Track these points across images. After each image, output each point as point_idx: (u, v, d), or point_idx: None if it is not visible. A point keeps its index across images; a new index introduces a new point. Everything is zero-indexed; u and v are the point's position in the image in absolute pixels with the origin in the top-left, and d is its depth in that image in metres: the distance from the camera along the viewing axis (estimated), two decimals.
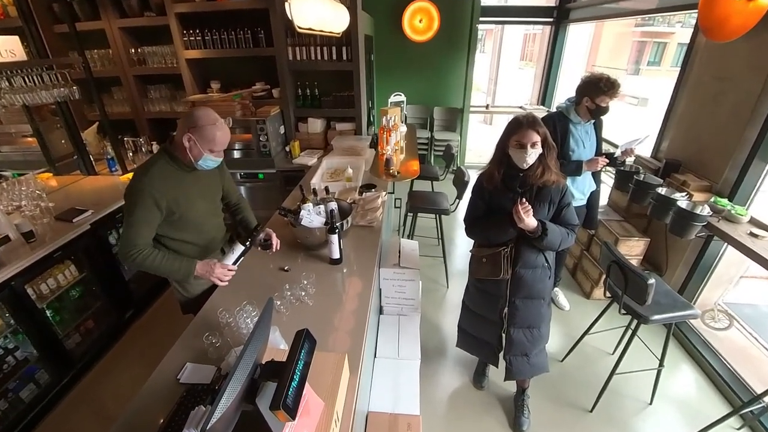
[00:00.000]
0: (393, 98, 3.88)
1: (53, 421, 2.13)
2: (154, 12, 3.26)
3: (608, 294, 2.11)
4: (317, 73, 3.52)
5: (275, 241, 1.74)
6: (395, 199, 4.19)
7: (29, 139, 3.27)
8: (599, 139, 2.37)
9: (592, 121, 2.29)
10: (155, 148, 3.53)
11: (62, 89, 2.63)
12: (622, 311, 1.96)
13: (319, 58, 3.33)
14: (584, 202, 2.52)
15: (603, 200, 3.13)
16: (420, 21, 4.84)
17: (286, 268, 1.83)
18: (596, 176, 2.49)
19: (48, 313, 2.27)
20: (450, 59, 5.12)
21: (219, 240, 1.80)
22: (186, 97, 3.42)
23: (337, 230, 1.77)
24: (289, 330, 1.44)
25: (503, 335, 1.88)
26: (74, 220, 2.36)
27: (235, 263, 1.50)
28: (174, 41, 3.28)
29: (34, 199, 2.50)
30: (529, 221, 1.52)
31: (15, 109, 3.07)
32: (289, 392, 0.75)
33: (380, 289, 2.26)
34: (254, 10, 3.12)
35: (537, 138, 1.53)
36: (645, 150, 3.03)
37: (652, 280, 1.72)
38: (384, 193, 2.54)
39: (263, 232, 1.73)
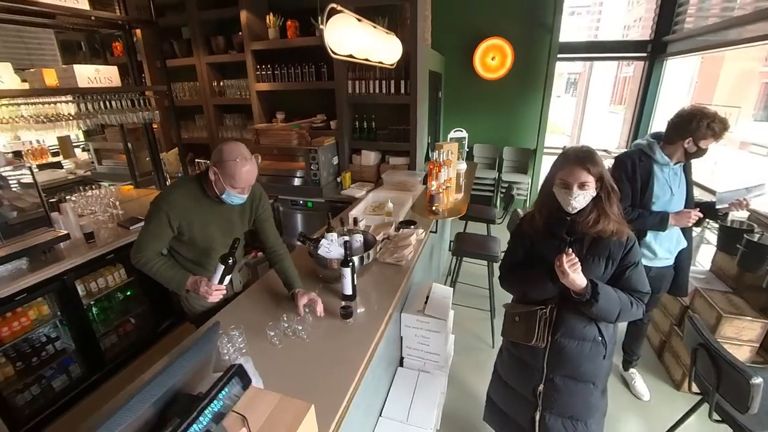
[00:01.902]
0: (453, 134, 3.71)
1: (75, 415, 2.20)
2: (236, 50, 3.62)
3: (695, 388, 1.57)
4: (375, 106, 3.53)
5: (319, 308, 1.55)
6: (450, 242, 3.92)
7: (124, 156, 3.76)
8: (690, 185, 1.89)
9: (682, 162, 1.84)
10: None
11: (147, 113, 2.97)
12: (714, 417, 1.42)
13: (377, 91, 3.34)
14: (671, 262, 2.00)
15: (704, 262, 2.49)
16: (492, 59, 4.70)
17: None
18: (687, 231, 1.97)
19: (94, 310, 2.43)
20: (524, 98, 4.84)
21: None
22: (253, 125, 3.66)
23: (350, 263, 1.59)
24: (272, 364, 1.28)
25: (537, 420, 1.47)
26: (131, 228, 2.55)
27: (220, 282, 1.42)
28: (248, 75, 3.59)
29: (108, 207, 2.79)
30: (576, 278, 1.18)
31: (117, 130, 3.59)
32: None
33: (401, 337, 1.99)
34: (319, 46, 3.26)
35: (588, 178, 1.21)
36: (763, 203, 2.37)
37: (758, 379, 1.22)
38: (421, 231, 2.32)
39: (302, 295, 1.57)
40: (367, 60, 2.10)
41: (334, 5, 1.64)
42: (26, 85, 2.39)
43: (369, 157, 3.62)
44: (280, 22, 3.40)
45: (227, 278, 1.43)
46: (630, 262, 1.27)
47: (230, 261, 1.46)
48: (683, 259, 2.00)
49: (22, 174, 2.04)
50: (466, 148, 3.80)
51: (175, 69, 3.91)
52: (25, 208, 2.08)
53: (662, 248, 1.94)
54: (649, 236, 1.91)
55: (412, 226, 2.36)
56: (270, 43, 3.43)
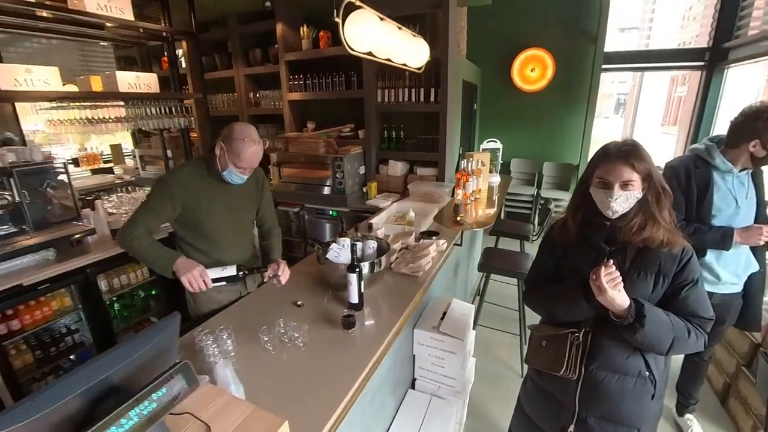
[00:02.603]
0: (486, 144, 3.54)
1: None
2: (272, 61, 3.72)
3: None
4: (404, 115, 3.46)
5: (282, 272, 1.53)
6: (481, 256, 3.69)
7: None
8: (761, 196, 1.60)
9: (749, 170, 1.56)
10: None
11: (183, 119, 3.09)
12: None
13: (406, 99, 3.27)
14: (739, 288, 1.68)
15: None
16: (532, 70, 4.51)
17: (299, 303, 1.59)
18: (759, 252, 1.66)
19: (115, 306, 2.47)
20: (566, 110, 4.58)
21: (236, 260, 1.67)
22: (284, 134, 3.71)
23: (357, 269, 1.47)
24: (259, 371, 1.17)
25: None
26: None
27: (215, 281, 1.36)
28: (282, 85, 3.66)
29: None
30: (615, 296, 0.98)
31: (160, 138, 3.77)
32: None
33: (414, 356, 1.81)
34: (351, 55, 3.28)
35: (632, 176, 1.02)
36: None
37: None
38: (443, 242, 2.16)
39: (271, 267, 1.55)
40: (389, 60, 2.02)
41: (352, 0, 1.58)
42: (71, 89, 2.55)
43: (396, 167, 3.52)
44: (314, 33, 3.45)
45: (221, 283, 1.38)
46: (686, 280, 1.04)
47: (242, 273, 1.41)
48: (754, 285, 1.68)
49: (57, 170, 2.14)
50: (500, 160, 3.61)
51: (216, 81, 4.08)
52: (57, 203, 2.17)
53: (727, 271, 1.64)
54: (710, 256, 1.63)
55: (434, 237, 2.21)
56: (303, 53, 3.48)
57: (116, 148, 4.88)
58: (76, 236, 2.11)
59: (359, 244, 1.80)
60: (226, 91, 4.12)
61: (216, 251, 1.58)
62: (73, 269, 2.09)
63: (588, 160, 1.16)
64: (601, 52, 4.18)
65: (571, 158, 4.77)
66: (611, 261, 1.01)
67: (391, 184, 3.56)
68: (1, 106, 4.07)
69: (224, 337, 1.18)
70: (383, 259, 1.68)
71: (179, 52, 3.77)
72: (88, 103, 2.56)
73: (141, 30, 2.93)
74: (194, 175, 1.49)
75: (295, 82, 3.62)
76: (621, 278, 1.00)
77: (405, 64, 2.24)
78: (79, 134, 2.81)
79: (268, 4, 3.15)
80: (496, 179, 3.57)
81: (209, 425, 0.84)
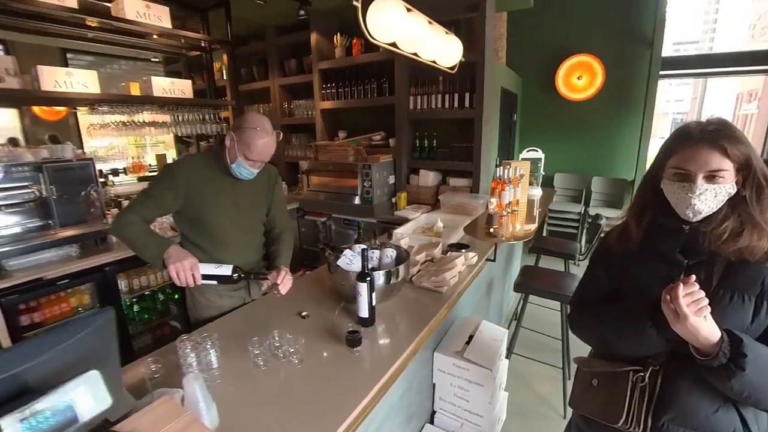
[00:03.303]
0: (526, 153, 3.26)
1: None
2: (306, 71, 3.73)
3: None
4: (436, 123, 3.28)
5: (281, 280, 1.38)
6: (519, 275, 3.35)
7: None
8: None
9: None
10: (284, 188, 3.83)
11: (215, 125, 3.13)
12: None
13: (439, 106, 3.10)
14: None
15: None
16: (579, 78, 4.19)
17: (303, 314, 1.43)
18: None
19: (134, 308, 2.45)
20: (618, 121, 4.19)
21: (241, 263, 1.54)
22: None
23: (368, 279, 1.28)
24: (241, 390, 1.00)
25: None
26: None
27: (206, 278, 1.23)
28: (314, 94, 3.64)
29: None
30: (700, 326, 0.72)
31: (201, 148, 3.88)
32: None
33: (434, 384, 1.57)
34: (383, 61, 3.20)
35: (723, 164, 0.77)
36: None
37: None
38: (473, 255, 1.92)
39: (271, 275, 1.39)
40: (415, 55, 1.87)
41: None
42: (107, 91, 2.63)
43: (427, 177, 3.33)
44: (347, 42, 3.41)
45: (212, 283, 1.25)
46: None
47: (237, 276, 1.28)
48: None
49: (86, 169, 2.17)
50: (542, 171, 3.31)
51: (253, 92, 4.16)
52: (84, 201, 2.19)
53: None
54: None
55: (463, 250, 1.98)
56: (336, 61, 3.45)
57: (161, 158, 5.16)
58: (97, 234, 2.10)
59: (375, 252, 1.62)
60: (262, 101, 4.19)
61: (219, 251, 1.46)
62: (94, 266, 2.08)
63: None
64: (658, 56, 3.79)
65: (625, 173, 4.33)
66: (693, 277, 0.75)
67: (422, 195, 3.36)
68: (66, 120, 4.42)
69: (207, 346, 1.03)
70: (401, 269, 1.48)
71: (218, 65, 3.90)
72: (128, 109, 2.65)
73: (182, 40, 3.04)
74: (201, 166, 1.41)
75: (328, 91, 3.58)
76: (707, 301, 0.73)
77: (434, 61, 2.08)
78: (135, 146, 2.91)
79: (302, 13, 3.16)
80: (537, 192, 3.27)
81: None
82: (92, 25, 2.42)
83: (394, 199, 3.36)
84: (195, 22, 3.14)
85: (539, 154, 3.19)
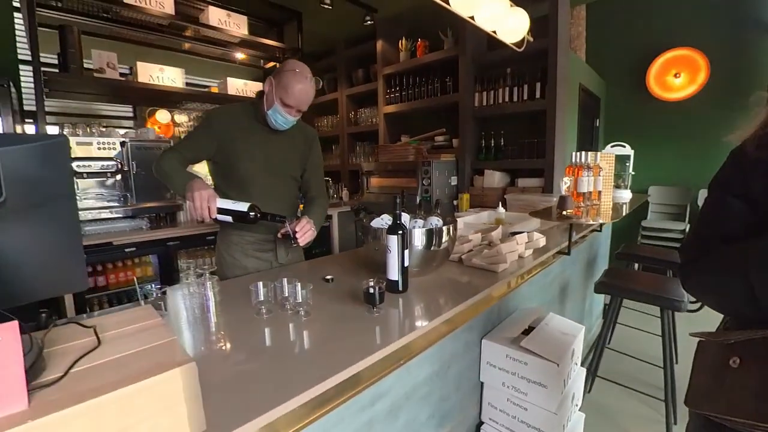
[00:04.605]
0: (610, 148, 2.83)
1: None
2: (372, 79, 3.81)
3: None
4: (503, 119, 3.05)
5: (301, 232, 1.30)
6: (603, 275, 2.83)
7: None
8: None
9: None
10: (345, 194, 3.85)
11: None
12: None
13: (506, 100, 2.89)
14: None
15: None
16: (676, 75, 3.64)
17: (328, 277, 1.29)
18: None
19: None
20: (729, 123, 3.47)
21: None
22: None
23: (401, 232, 1.10)
24: (225, 326, 0.88)
25: None
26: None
27: (222, 212, 1.17)
28: (378, 99, 3.68)
29: None
30: None
31: None
32: None
33: (481, 384, 1.28)
34: (447, 59, 3.12)
35: None
36: None
37: None
38: (540, 237, 1.63)
39: (292, 222, 1.30)
40: (472, 19, 1.73)
41: None
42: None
43: (493, 178, 3.06)
44: (412, 46, 3.42)
45: (227, 218, 1.19)
46: None
47: (254, 214, 1.22)
48: None
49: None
50: (630, 170, 2.84)
51: (321, 105, 4.37)
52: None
53: None
54: None
55: (525, 231, 1.69)
56: (400, 65, 3.47)
57: None
58: (163, 209, 2.25)
59: (419, 222, 1.43)
60: (330, 113, 4.37)
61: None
62: (159, 239, 2.21)
63: None
64: None
65: None
66: None
67: (487, 198, 3.09)
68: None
69: (205, 276, 0.94)
70: (445, 231, 1.27)
71: None
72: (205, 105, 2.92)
73: (259, 50, 3.31)
74: (239, 115, 1.41)
75: (391, 95, 3.60)
76: None
77: (494, 32, 1.92)
78: None
79: (368, 19, 3.26)
80: (626, 195, 2.80)
81: (100, 339, 0.57)
82: (187, 35, 2.76)
83: (456, 202, 3.14)
84: (271, 36, 3.42)
85: (627, 150, 2.73)
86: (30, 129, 2.19)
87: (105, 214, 2.11)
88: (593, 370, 1.98)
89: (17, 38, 2.20)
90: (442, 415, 1.11)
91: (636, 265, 2.95)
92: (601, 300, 2.92)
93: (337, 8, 3.08)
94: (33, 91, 1.96)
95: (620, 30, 3.89)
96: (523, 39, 2.15)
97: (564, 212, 1.74)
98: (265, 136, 1.41)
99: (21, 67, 2.23)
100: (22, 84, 2.23)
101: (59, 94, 2.37)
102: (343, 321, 0.97)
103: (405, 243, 1.12)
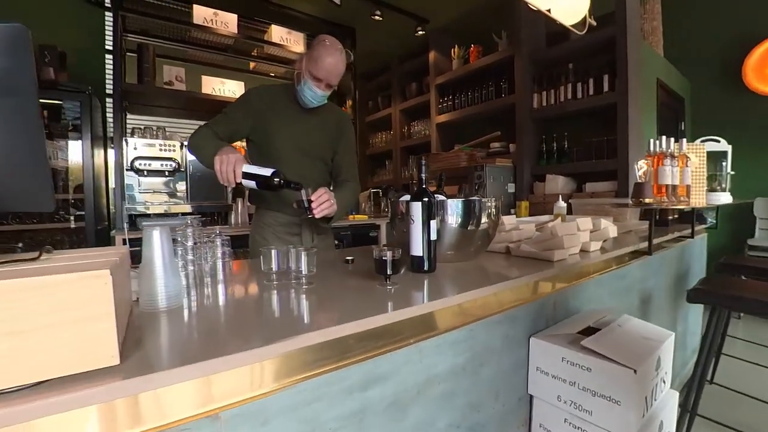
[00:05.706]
0: (701, 141, 2.38)
1: None
2: (425, 91, 3.78)
3: None
4: (566, 119, 2.78)
5: (317, 202, 1.21)
6: (700, 282, 2.30)
7: None
8: None
9: None
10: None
11: None
12: None
13: (569, 97, 2.63)
14: None
15: None
16: None
17: (349, 258, 1.19)
18: None
19: None
20: None
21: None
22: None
23: (426, 201, 0.96)
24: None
25: None
26: None
27: (246, 177, 1.14)
28: (431, 109, 3.61)
29: None
30: None
31: None
32: None
33: (530, 397, 1.03)
34: (501, 61, 2.98)
35: None
36: None
37: None
38: (610, 227, 1.36)
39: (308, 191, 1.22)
40: (548, 12, 1.59)
41: None
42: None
43: (556, 184, 2.76)
44: (464, 53, 3.34)
45: (251, 183, 1.14)
46: None
47: (278, 180, 1.16)
48: None
49: None
50: (728, 169, 2.36)
51: (375, 120, 4.43)
52: (214, 182, 2.51)
53: None
54: None
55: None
56: (452, 73, 3.40)
57: None
58: (215, 209, 2.34)
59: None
60: (383, 129, 4.40)
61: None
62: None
63: None
64: None
65: None
66: None
67: (549, 206, 2.75)
68: None
69: (216, 234, 0.88)
70: (485, 205, 1.09)
71: (350, 102, 4.33)
72: None
73: None
74: (276, 94, 1.41)
75: (444, 104, 3.51)
76: None
77: (549, 10, 1.74)
78: None
79: (419, 29, 3.27)
80: (724, 198, 2.31)
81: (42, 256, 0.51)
82: (253, 54, 2.98)
83: (513, 210, 2.87)
84: None
85: (723, 146, 2.27)
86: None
87: (161, 209, 2.24)
88: (691, 409, 1.56)
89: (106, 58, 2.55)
90: (470, 427, 0.89)
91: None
92: (697, 330, 2.39)
93: (388, 21, 3.13)
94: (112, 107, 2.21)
95: (705, 20, 3.43)
96: (584, 21, 1.94)
97: (641, 199, 1.44)
98: (296, 116, 1.40)
99: (107, 83, 2.54)
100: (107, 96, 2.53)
101: (136, 108, 2.64)
102: (345, 291, 0.84)
103: (432, 213, 0.97)
